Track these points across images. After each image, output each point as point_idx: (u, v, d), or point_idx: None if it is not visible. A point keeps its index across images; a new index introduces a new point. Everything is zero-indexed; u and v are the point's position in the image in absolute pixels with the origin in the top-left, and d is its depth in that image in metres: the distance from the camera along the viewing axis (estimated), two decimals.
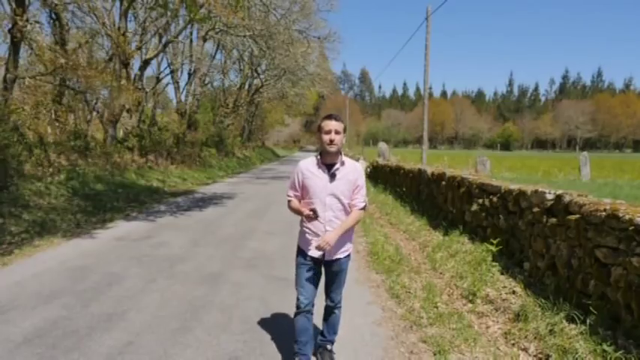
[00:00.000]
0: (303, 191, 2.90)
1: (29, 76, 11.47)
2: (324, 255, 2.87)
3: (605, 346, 2.98)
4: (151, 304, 4.21)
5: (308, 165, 2.88)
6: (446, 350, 3.31)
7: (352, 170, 2.87)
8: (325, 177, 2.80)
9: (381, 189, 13.23)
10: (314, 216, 2.79)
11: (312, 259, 2.89)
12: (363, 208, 2.95)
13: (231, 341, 3.46)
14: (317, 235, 2.86)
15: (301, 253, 2.96)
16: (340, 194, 2.82)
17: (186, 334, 3.57)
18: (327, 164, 2.83)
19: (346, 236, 2.93)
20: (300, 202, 2.95)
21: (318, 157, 2.85)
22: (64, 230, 7.47)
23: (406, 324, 3.89)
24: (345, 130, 2.83)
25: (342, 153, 2.88)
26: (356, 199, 2.89)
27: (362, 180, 2.91)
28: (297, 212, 2.94)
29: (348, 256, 3.03)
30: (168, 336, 3.54)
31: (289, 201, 2.99)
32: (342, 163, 2.84)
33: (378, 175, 15.39)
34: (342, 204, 2.84)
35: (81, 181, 10.76)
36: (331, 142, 2.74)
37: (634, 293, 3.09)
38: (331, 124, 2.77)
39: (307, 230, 2.91)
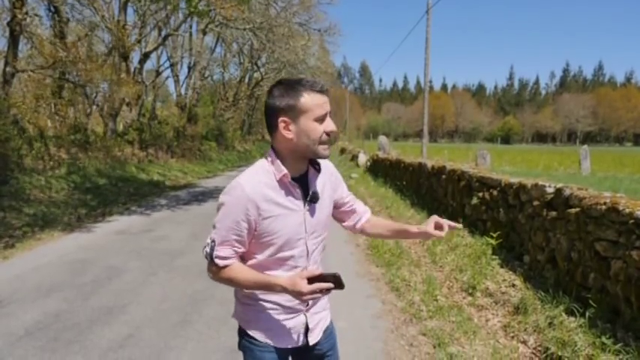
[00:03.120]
0: (258, 243, 1.42)
1: (29, 70, 11.43)
2: (307, 335, 1.53)
3: (604, 339, 2.99)
4: (151, 298, 4.23)
5: (263, 190, 1.38)
6: (445, 343, 3.32)
7: (328, 172, 1.59)
8: (299, 205, 1.43)
9: (381, 182, 13.22)
10: (337, 288, 1.32)
11: (285, 351, 1.54)
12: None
13: (232, 334, 3.47)
14: (292, 309, 1.50)
15: (256, 345, 1.52)
16: (324, 226, 1.54)
17: (187, 327, 3.59)
18: (296, 178, 1.44)
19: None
20: (245, 262, 1.46)
21: (280, 170, 1.40)
22: (64, 224, 7.49)
23: (406, 317, 3.90)
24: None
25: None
26: (352, 203, 1.74)
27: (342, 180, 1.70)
28: (261, 287, 1.42)
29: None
30: (169, 329, 3.56)
31: (223, 267, 1.40)
32: (316, 166, 1.49)
33: (378, 169, 15.36)
34: (323, 239, 1.56)
35: (81, 174, 10.77)
36: (330, 136, 1.39)
37: (633, 286, 3.10)
38: (326, 102, 1.37)
39: (270, 305, 1.49)
